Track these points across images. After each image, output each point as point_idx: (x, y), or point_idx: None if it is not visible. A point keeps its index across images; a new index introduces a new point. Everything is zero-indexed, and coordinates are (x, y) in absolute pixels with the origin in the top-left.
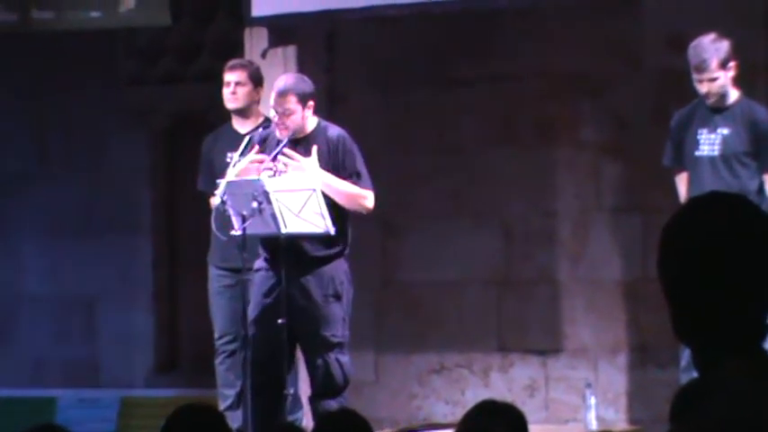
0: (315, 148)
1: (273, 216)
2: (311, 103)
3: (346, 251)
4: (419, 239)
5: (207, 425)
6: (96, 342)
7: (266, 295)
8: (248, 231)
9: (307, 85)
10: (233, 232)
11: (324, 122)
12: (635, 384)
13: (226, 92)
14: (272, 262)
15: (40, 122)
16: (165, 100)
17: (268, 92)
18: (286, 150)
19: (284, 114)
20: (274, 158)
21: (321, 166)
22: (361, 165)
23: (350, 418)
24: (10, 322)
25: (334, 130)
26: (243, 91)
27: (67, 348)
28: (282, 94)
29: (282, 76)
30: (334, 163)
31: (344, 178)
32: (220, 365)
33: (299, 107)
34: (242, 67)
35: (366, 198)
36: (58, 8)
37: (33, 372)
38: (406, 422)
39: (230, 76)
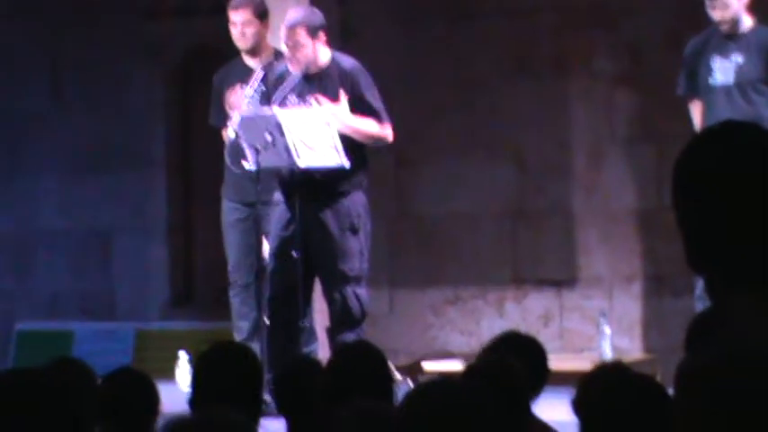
0: (342, 96)
1: (287, 148)
2: (322, 34)
3: (365, 184)
4: (433, 172)
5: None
6: (112, 276)
7: (284, 228)
8: (262, 164)
9: (316, 16)
10: (246, 165)
11: (337, 54)
12: (650, 313)
13: (234, 32)
14: (288, 195)
15: (53, 59)
16: (179, 33)
17: (275, 24)
18: (318, 97)
19: (295, 48)
20: (289, 92)
21: (336, 97)
22: (376, 97)
23: (365, 349)
24: (27, 257)
25: (348, 62)
26: (251, 30)
27: (84, 282)
28: (292, 28)
29: (292, 9)
30: (349, 95)
31: (361, 112)
32: (235, 298)
33: (308, 40)
34: (246, 5)
35: (385, 134)
36: None
37: (50, 305)
38: (422, 353)
39: (236, 17)
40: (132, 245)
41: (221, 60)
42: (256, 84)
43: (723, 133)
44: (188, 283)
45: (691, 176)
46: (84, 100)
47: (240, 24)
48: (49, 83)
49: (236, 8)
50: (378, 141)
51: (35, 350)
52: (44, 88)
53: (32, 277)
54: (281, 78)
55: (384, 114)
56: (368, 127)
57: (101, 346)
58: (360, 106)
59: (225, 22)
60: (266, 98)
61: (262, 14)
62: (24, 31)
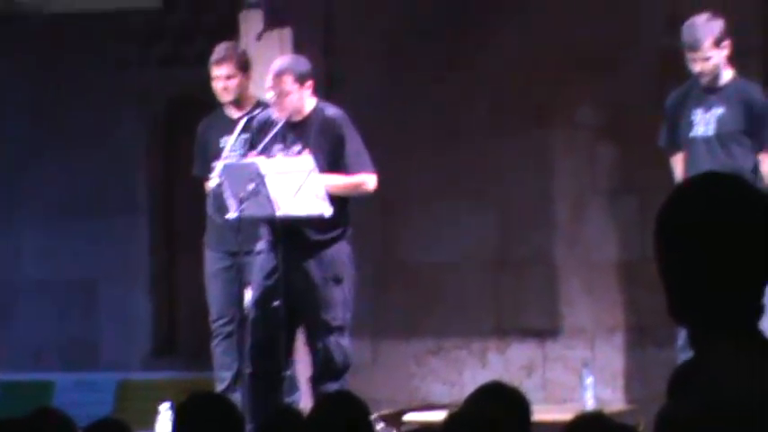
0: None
1: (269, 198)
2: (309, 83)
3: (348, 233)
4: (417, 220)
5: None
6: (95, 325)
7: (267, 277)
8: (244, 214)
9: (303, 65)
10: (229, 215)
11: (321, 103)
12: (632, 364)
13: (217, 86)
14: (271, 244)
15: (37, 106)
16: (162, 83)
17: (259, 73)
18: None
19: (281, 95)
20: (272, 140)
21: (319, 146)
22: (359, 146)
23: (347, 399)
24: (9, 306)
25: (332, 110)
26: (234, 83)
27: (66, 331)
28: (279, 75)
29: (279, 57)
30: (331, 143)
31: (340, 162)
32: (217, 348)
33: (295, 87)
34: (228, 59)
35: (366, 183)
36: None
37: (33, 355)
38: (405, 403)
39: (218, 71)
40: (115, 294)
41: (204, 109)
42: (239, 133)
43: (703, 184)
44: (171, 332)
45: (672, 227)
46: (68, 147)
47: (223, 79)
48: (33, 129)
49: (219, 63)
50: (359, 191)
51: (16, 401)
52: (28, 134)
53: (14, 327)
54: (265, 127)
55: (366, 163)
56: (345, 181)
57: (82, 396)
58: (341, 153)
59: (208, 72)
60: (249, 147)
61: (244, 66)
62: (6, 78)
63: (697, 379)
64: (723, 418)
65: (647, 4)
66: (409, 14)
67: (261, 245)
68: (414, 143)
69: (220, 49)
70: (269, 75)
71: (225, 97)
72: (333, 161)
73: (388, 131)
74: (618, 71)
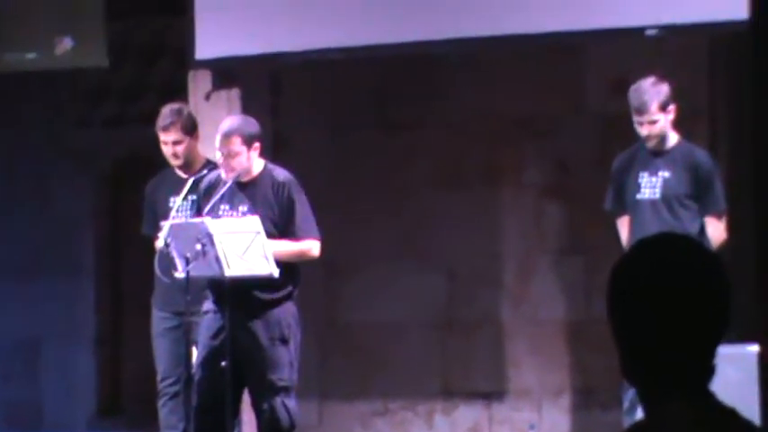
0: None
1: (217, 258)
2: (257, 144)
3: (295, 293)
4: (363, 281)
5: None
6: (39, 385)
7: (213, 337)
8: (192, 274)
9: (252, 126)
10: (176, 274)
11: (270, 165)
12: (579, 426)
13: (166, 151)
14: (218, 304)
15: None
16: (109, 143)
17: (207, 132)
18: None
19: (229, 156)
20: (220, 200)
21: (269, 208)
22: (307, 212)
23: None
24: None
25: (281, 174)
26: (181, 148)
27: (10, 391)
28: (227, 136)
29: (228, 118)
30: (279, 206)
31: (288, 227)
32: (163, 408)
33: (243, 148)
34: (174, 124)
35: (311, 249)
36: None
37: None
38: None
39: (166, 137)
40: (59, 354)
41: (151, 168)
42: (186, 193)
43: (655, 246)
44: (116, 392)
45: (623, 289)
46: (11, 207)
47: (171, 144)
48: None
49: (166, 129)
50: (303, 258)
51: None
52: None
53: None
54: (213, 187)
55: (313, 229)
56: (291, 248)
57: None
58: (289, 218)
59: (153, 131)
60: (197, 207)
61: (191, 129)
62: None
63: None
64: None
65: (593, 68)
66: (357, 76)
67: (207, 304)
68: (358, 203)
69: (166, 115)
70: (218, 135)
71: (174, 161)
72: (280, 224)
73: (333, 191)
74: (563, 132)
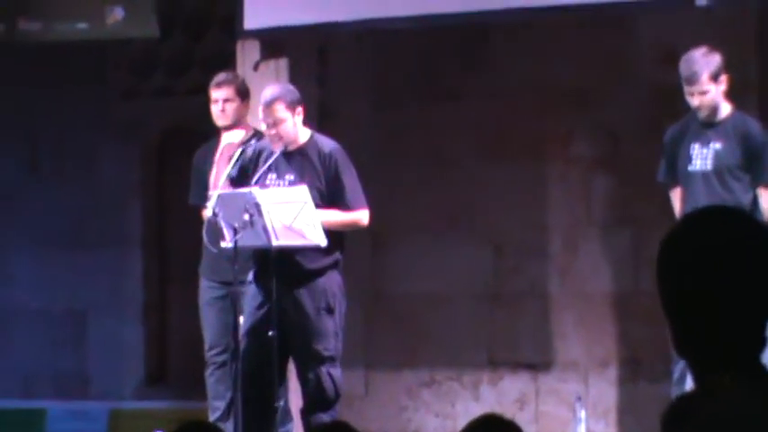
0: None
1: (265, 228)
2: (300, 109)
3: (340, 262)
4: (409, 253)
5: None
6: (86, 354)
7: (259, 307)
8: (239, 244)
9: (292, 92)
10: (224, 244)
11: (317, 135)
12: (625, 398)
13: (215, 109)
14: (263, 274)
15: (30, 135)
16: (157, 113)
17: (256, 104)
18: None
19: (275, 124)
20: (267, 170)
21: (316, 177)
22: (354, 181)
23: (342, 430)
24: (1, 335)
25: (328, 143)
26: (231, 107)
27: (58, 360)
28: (269, 104)
29: (266, 87)
30: (327, 176)
31: (336, 197)
32: (210, 377)
33: (288, 114)
34: (228, 82)
35: (361, 219)
36: (45, 19)
37: (24, 384)
38: None
39: (217, 93)
40: (107, 324)
41: (197, 139)
42: (235, 161)
43: (706, 219)
44: (163, 362)
45: (674, 262)
46: (59, 177)
47: (222, 101)
48: (25, 159)
49: (219, 86)
50: (352, 227)
51: (8, 429)
52: (20, 165)
53: (6, 356)
54: (261, 156)
55: (361, 199)
56: (337, 217)
57: (74, 425)
58: (337, 187)
59: (203, 102)
60: (245, 177)
61: (244, 93)
62: (0, 107)
63: (700, 413)
64: None
65: (644, 39)
66: (404, 46)
67: (249, 275)
68: (405, 175)
69: (221, 74)
70: (260, 107)
71: (221, 121)
72: (328, 194)
73: (379, 163)
74: (613, 104)
